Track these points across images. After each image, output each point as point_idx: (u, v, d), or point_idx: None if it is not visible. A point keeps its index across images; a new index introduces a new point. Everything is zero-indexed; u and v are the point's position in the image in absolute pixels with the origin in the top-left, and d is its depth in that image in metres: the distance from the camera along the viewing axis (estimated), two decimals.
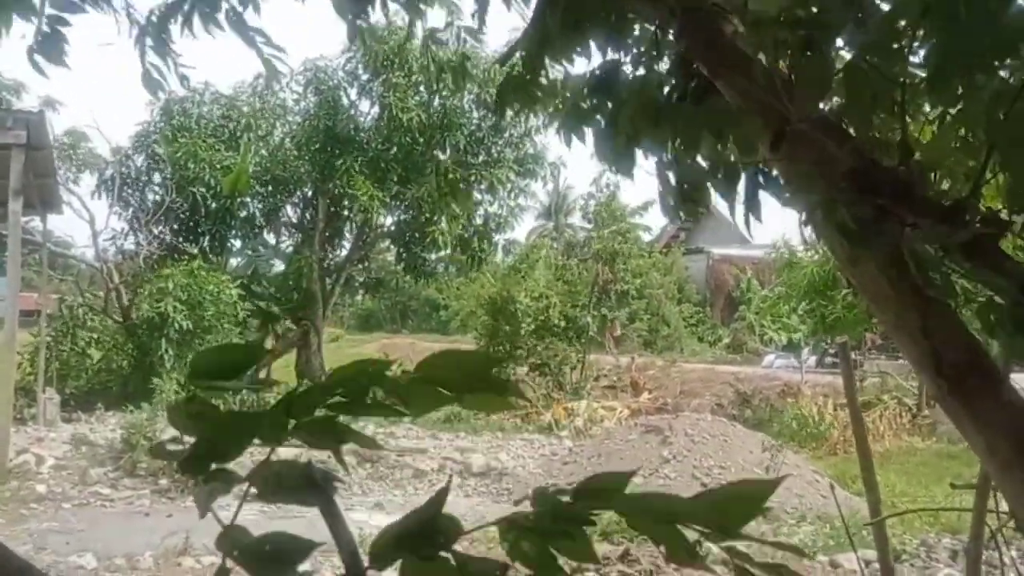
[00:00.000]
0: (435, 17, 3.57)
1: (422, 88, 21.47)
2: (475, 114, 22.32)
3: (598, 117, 1.99)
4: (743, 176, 1.85)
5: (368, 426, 17.63)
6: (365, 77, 21.90)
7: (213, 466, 0.89)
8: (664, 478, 11.96)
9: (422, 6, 2.88)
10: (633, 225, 33.56)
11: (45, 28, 2.90)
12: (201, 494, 0.88)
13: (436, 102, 21.64)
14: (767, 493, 0.75)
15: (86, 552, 8.71)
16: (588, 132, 2.04)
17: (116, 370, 19.12)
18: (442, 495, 0.87)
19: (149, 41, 3.09)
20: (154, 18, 3.03)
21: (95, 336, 19.37)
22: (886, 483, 10.43)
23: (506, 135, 22.56)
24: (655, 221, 47.48)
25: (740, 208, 2.05)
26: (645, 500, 0.80)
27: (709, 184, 1.93)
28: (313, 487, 0.89)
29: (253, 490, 0.89)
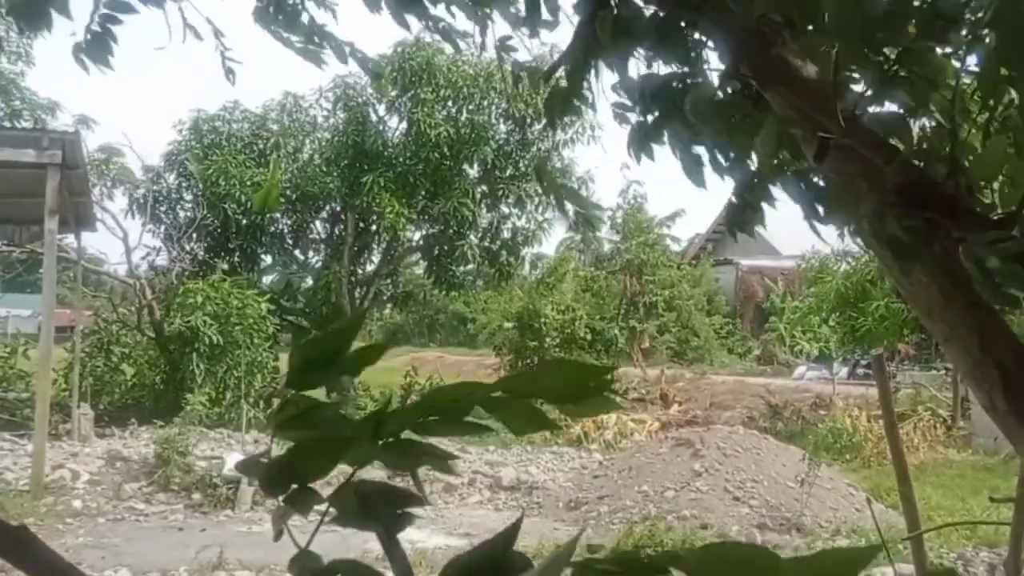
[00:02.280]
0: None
1: (449, 103, 21.57)
2: (502, 128, 22.39)
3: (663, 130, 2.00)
4: (800, 184, 1.85)
5: None
6: (393, 93, 22.03)
7: (294, 486, 0.89)
8: (696, 491, 11.88)
9: (489, 15, 2.89)
10: (660, 236, 33.50)
11: (96, 27, 2.91)
12: (276, 514, 0.88)
13: (463, 117, 21.74)
14: (865, 560, 0.70)
15: (121, 567, 8.79)
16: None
17: (149, 385, 19.28)
18: (514, 530, 0.87)
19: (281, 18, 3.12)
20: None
21: (128, 352, 19.56)
22: (922, 496, 10.29)
23: (533, 149, 22.60)
24: (683, 232, 47.32)
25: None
26: (728, 555, 0.74)
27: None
28: (392, 511, 0.89)
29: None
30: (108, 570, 8.65)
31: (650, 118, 2.09)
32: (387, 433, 0.87)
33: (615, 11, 1.82)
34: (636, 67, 2.16)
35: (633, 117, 2.20)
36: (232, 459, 12.42)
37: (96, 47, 2.95)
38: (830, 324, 22.54)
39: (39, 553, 1.02)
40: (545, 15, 2.56)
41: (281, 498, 0.89)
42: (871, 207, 1.57)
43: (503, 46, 3.31)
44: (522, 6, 2.65)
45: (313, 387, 0.92)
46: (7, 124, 20.23)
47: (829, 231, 2.03)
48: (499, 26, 3.17)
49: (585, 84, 2.14)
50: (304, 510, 0.88)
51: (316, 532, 0.88)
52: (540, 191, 22.38)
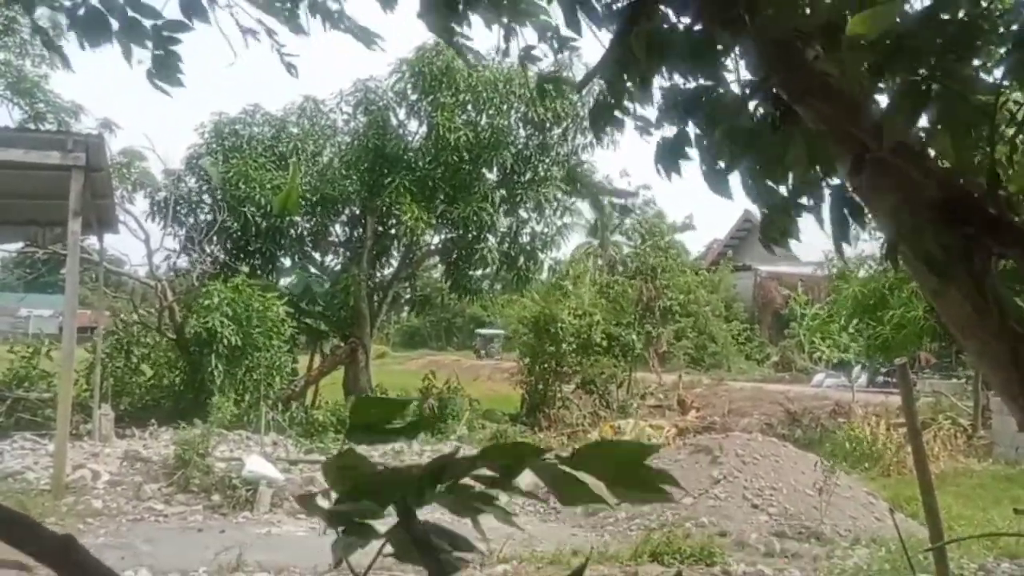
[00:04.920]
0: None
1: (469, 107, 21.60)
2: (522, 132, 22.39)
3: (687, 150, 2.01)
4: (830, 200, 1.85)
5: (414, 444, 17.68)
6: (414, 97, 22.09)
7: (355, 520, 0.91)
8: (714, 498, 11.84)
9: (515, 26, 2.90)
10: (674, 241, 33.42)
11: (158, 51, 2.94)
12: (337, 545, 0.90)
13: (483, 121, 21.76)
14: None
15: (141, 567, 8.82)
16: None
17: (168, 386, 19.39)
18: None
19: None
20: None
21: (148, 353, 19.67)
22: (942, 505, 10.18)
23: (552, 153, 22.59)
24: (701, 238, 47.20)
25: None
26: None
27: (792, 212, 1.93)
28: (431, 556, 0.91)
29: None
30: (128, 570, 8.68)
31: (676, 131, 2.09)
32: (448, 479, 0.89)
33: (650, 25, 1.83)
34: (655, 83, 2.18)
35: (658, 133, 2.21)
36: (251, 461, 12.48)
37: (164, 69, 2.98)
38: (849, 331, 22.45)
39: (82, 561, 1.04)
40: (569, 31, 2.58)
41: (342, 529, 0.90)
42: (909, 222, 1.57)
43: (527, 55, 3.32)
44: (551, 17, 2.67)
45: (368, 443, 0.95)
46: (32, 127, 20.41)
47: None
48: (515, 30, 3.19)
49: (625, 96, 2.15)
50: (362, 544, 0.90)
51: (371, 566, 0.90)
52: (559, 197, 22.39)
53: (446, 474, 0.89)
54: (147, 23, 2.88)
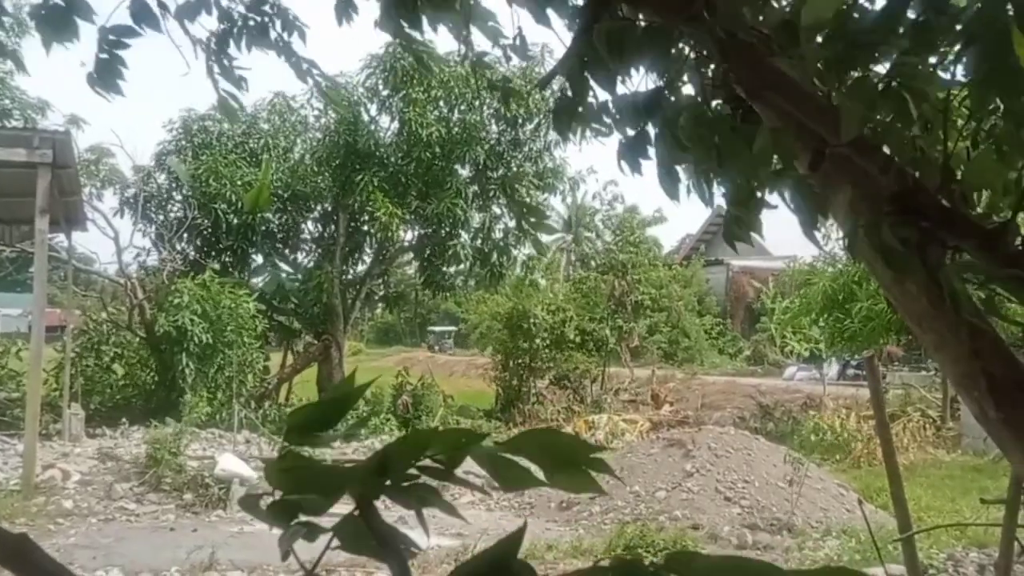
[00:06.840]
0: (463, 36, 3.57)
1: (441, 103, 21.55)
2: (494, 128, 22.36)
3: (650, 148, 2.02)
4: (799, 195, 1.87)
5: (394, 431, 17.68)
6: (385, 93, 21.99)
7: (301, 518, 0.91)
8: (687, 492, 11.92)
9: (465, 32, 2.91)
10: (646, 236, 33.53)
11: (102, 54, 2.84)
12: (284, 537, 0.90)
13: (455, 117, 21.71)
14: None
15: (112, 567, 8.77)
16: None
17: (140, 385, 19.23)
18: (519, 535, 0.87)
19: (217, 69, 3.11)
20: (213, 44, 3.06)
21: (119, 352, 19.49)
22: (911, 496, 10.33)
23: (525, 149, 22.58)
24: (674, 233, 47.42)
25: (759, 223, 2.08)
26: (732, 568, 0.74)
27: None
28: (392, 548, 0.91)
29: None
30: (99, 570, 8.63)
31: (636, 130, 2.10)
32: (395, 471, 0.90)
33: (610, 22, 1.83)
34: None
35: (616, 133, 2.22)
36: (224, 459, 12.40)
37: (106, 73, 2.88)
38: (820, 325, 22.61)
39: (39, 561, 1.03)
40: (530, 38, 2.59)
41: (287, 527, 0.90)
42: (866, 216, 1.59)
43: (479, 61, 3.32)
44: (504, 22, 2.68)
45: (308, 446, 0.97)
46: None
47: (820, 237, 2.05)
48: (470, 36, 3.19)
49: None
50: (310, 538, 0.90)
51: (322, 557, 0.90)
52: (530, 192, 22.39)
53: (390, 466, 0.90)
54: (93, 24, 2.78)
